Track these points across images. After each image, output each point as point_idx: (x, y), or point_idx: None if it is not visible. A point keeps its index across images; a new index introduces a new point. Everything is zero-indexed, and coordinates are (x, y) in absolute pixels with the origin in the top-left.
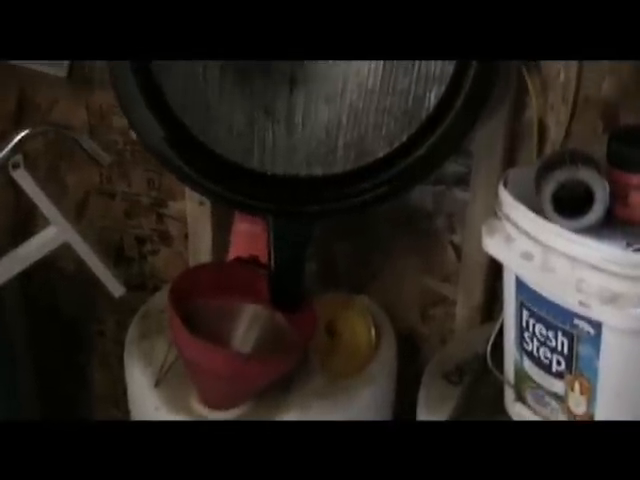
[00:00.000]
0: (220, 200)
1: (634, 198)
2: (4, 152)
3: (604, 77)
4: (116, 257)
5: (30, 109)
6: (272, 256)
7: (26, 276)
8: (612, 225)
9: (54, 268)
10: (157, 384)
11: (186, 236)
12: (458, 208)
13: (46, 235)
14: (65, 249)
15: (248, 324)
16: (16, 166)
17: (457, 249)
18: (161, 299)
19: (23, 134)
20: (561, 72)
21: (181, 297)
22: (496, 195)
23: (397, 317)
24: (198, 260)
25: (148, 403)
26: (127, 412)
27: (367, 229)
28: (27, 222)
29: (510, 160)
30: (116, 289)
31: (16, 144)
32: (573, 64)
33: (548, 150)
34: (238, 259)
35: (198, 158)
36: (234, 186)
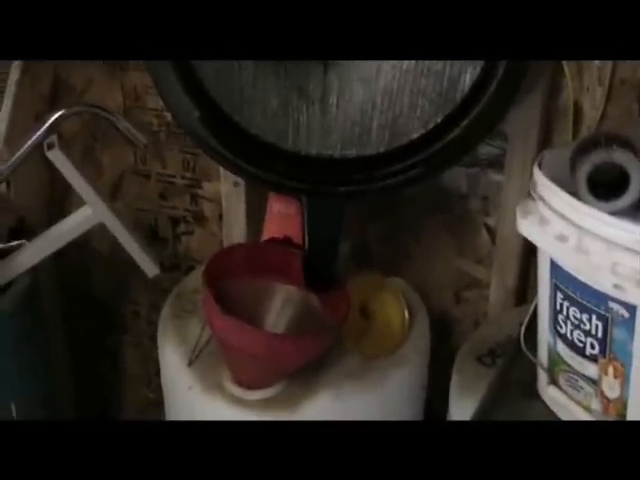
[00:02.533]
0: (254, 180)
1: None
2: (39, 132)
3: None
4: (150, 238)
5: (65, 90)
6: (306, 237)
7: (60, 257)
8: None
9: (88, 249)
10: (190, 363)
11: (220, 217)
12: (492, 190)
13: (81, 215)
14: (99, 230)
15: (281, 305)
16: (51, 146)
17: (491, 232)
18: (194, 279)
19: (57, 115)
20: None
21: (215, 277)
22: (531, 177)
23: (430, 299)
24: (232, 241)
25: (181, 382)
26: (158, 393)
27: (401, 211)
28: (62, 202)
29: (545, 142)
30: (150, 269)
31: (51, 125)
32: None
33: (584, 132)
34: (272, 239)
35: (233, 138)
36: (268, 166)
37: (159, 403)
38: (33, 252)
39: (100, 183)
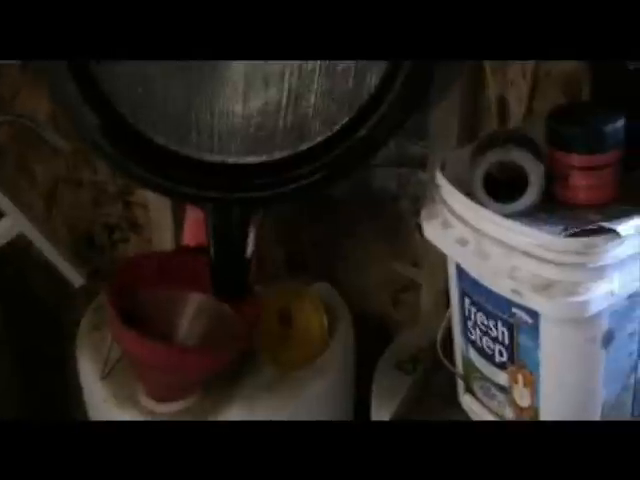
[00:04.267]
0: (156, 189)
1: (574, 179)
2: None
3: None
4: (87, 246)
5: None
6: (211, 246)
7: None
8: (551, 209)
9: (29, 255)
10: (103, 377)
11: None
12: (423, 190)
13: (1, 226)
14: None
15: (194, 314)
16: None
17: (421, 230)
18: None
19: None
20: None
21: (125, 287)
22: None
23: (368, 303)
24: (162, 247)
25: (96, 395)
26: None
27: (335, 214)
28: None
29: (471, 139)
30: (75, 279)
31: None
32: None
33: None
34: (184, 247)
35: (133, 146)
36: (170, 174)
37: None
38: None
39: (34, 192)
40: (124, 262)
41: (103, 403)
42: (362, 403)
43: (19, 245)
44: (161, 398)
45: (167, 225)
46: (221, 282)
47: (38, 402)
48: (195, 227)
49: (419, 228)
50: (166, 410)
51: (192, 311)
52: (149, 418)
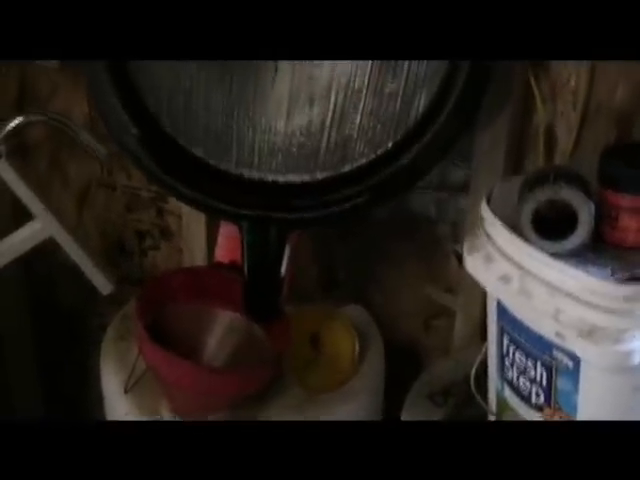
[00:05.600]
0: (192, 204)
1: (624, 221)
2: None
3: (617, 83)
4: (117, 251)
5: (31, 98)
6: (245, 264)
7: (28, 268)
8: (600, 250)
9: (56, 260)
10: (127, 390)
11: None
12: (462, 216)
13: (29, 229)
14: None
15: (223, 333)
16: None
17: (460, 259)
18: None
19: (14, 123)
20: (572, 77)
21: (154, 303)
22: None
23: (398, 327)
24: (193, 257)
25: (119, 408)
26: None
27: (370, 235)
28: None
29: (516, 169)
30: (103, 287)
31: (8, 133)
32: (584, 69)
33: (557, 159)
34: (217, 264)
35: (171, 158)
36: (207, 189)
37: None
38: None
39: (66, 195)
40: (155, 276)
41: (125, 416)
42: None
43: (48, 249)
44: (186, 415)
45: (200, 235)
46: (253, 301)
47: (62, 407)
48: (228, 243)
49: (459, 258)
50: None
51: (221, 329)
52: None
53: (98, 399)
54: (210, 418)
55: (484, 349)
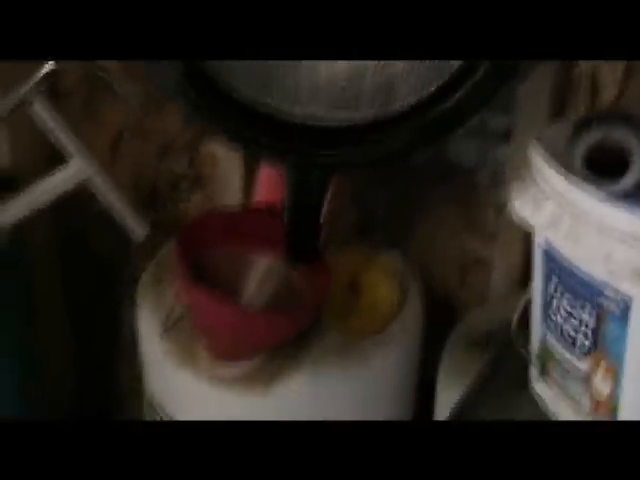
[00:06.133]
0: (238, 141)
1: None
2: (29, 85)
3: None
4: (149, 198)
5: None
6: (287, 206)
7: (60, 217)
8: None
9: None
10: (166, 330)
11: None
12: (502, 165)
13: (65, 172)
14: None
15: (262, 276)
16: (34, 101)
17: (499, 207)
18: None
19: (47, 69)
20: None
21: (192, 244)
22: None
23: (434, 275)
24: (228, 202)
25: (155, 351)
26: None
27: (408, 181)
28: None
29: (558, 116)
30: (138, 232)
31: (41, 78)
32: None
33: (600, 109)
34: (256, 206)
35: (214, 97)
36: (253, 127)
37: None
38: (17, 208)
39: (99, 139)
40: (193, 217)
41: (163, 357)
42: (425, 382)
43: (81, 196)
44: (223, 357)
45: (235, 182)
46: (295, 246)
47: (93, 358)
48: (270, 184)
49: (498, 207)
50: (226, 374)
51: (259, 273)
52: (207, 381)
53: (129, 348)
54: (246, 364)
55: (527, 295)
